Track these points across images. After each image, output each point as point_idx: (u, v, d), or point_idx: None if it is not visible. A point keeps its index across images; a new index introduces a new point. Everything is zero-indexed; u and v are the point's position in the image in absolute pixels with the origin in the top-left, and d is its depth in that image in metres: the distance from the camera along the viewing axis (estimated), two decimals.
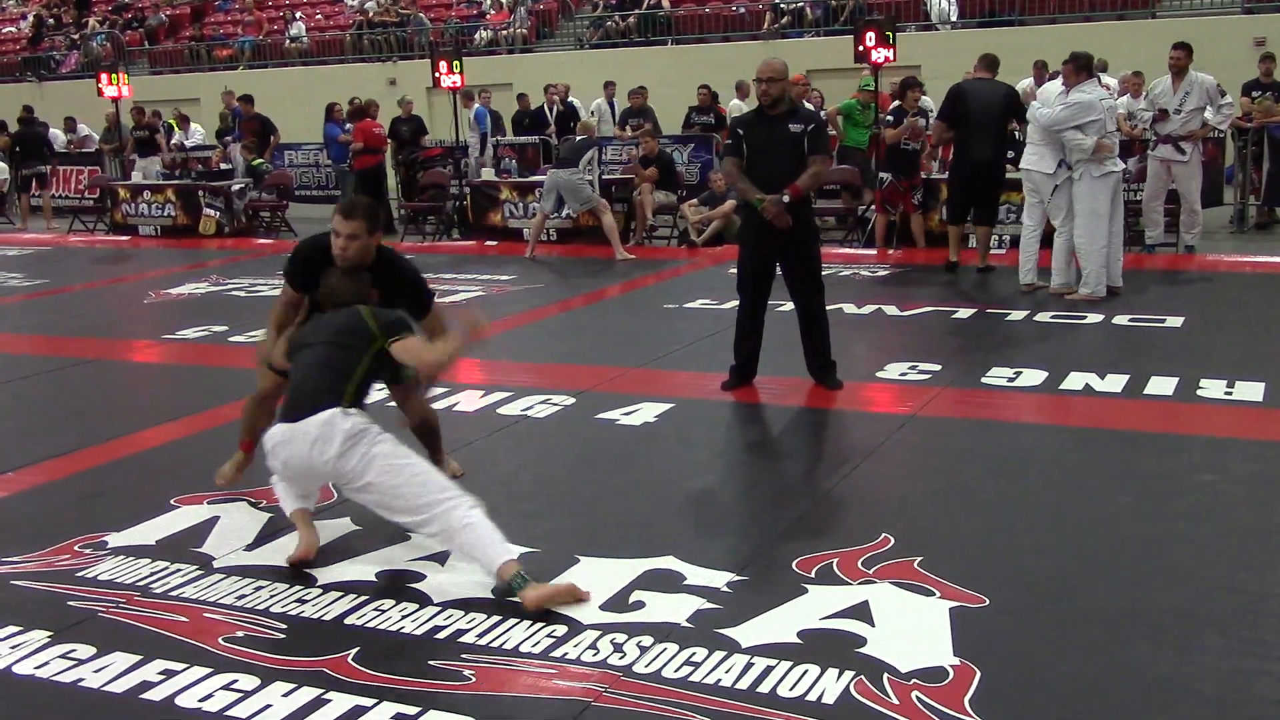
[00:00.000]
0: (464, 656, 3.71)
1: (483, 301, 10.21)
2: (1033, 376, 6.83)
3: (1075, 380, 6.72)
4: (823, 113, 14.66)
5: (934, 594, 4.04)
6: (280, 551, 4.60)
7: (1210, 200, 11.94)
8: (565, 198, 12.63)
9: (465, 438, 6.11)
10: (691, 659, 3.64)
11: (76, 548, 4.72)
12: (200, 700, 3.50)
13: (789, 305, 6.99)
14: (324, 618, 4.04)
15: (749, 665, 3.59)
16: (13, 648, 3.88)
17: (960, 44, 17.89)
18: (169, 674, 3.67)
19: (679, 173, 14.28)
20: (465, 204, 14.68)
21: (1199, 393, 6.40)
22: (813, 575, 4.22)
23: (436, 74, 14.61)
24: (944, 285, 10.09)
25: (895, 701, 3.36)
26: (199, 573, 4.46)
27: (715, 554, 4.45)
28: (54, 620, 4.08)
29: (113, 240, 16.25)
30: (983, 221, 10.60)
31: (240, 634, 3.93)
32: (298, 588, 4.28)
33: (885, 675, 3.50)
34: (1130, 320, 8.34)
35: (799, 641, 3.73)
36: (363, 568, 4.44)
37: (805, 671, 3.53)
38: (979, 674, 3.49)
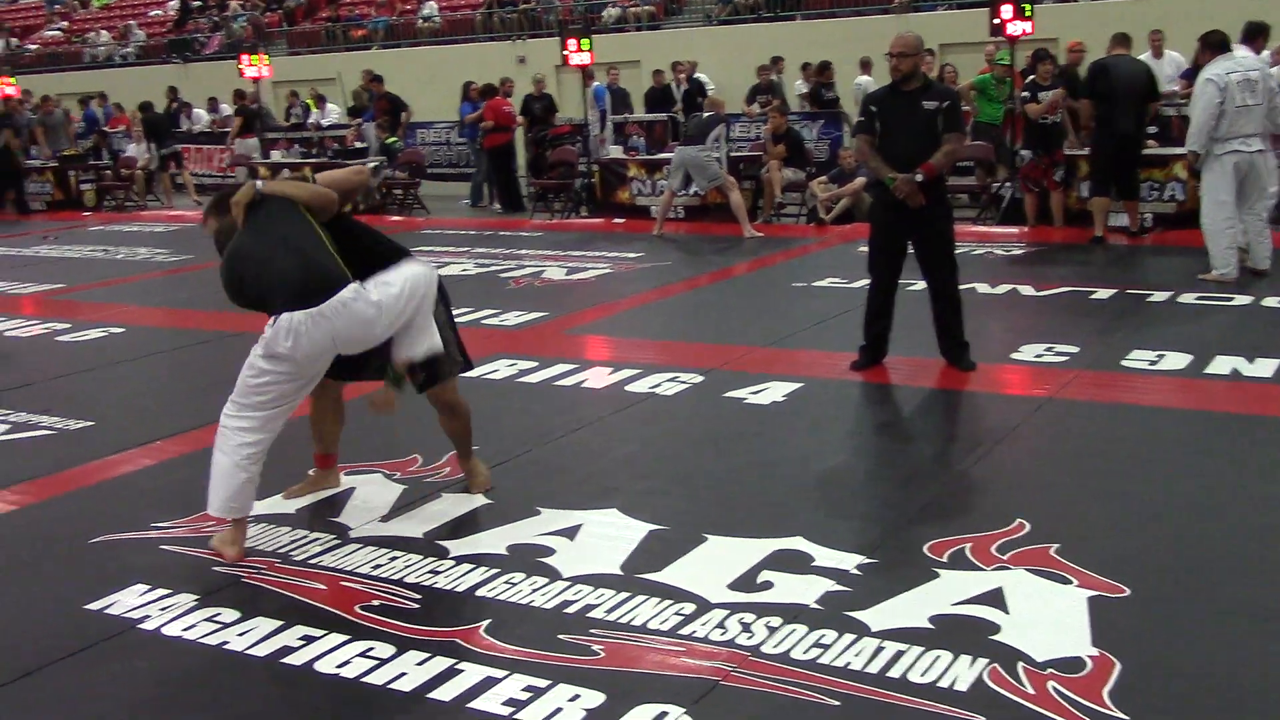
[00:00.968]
0: (593, 631, 3.74)
1: (610, 279, 10.27)
2: (1176, 360, 6.60)
3: (1222, 364, 6.48)
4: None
5: (1071, 582, 3.94)
6: (415, 523, 4.70)
7: None
8: (693, 175, 12.59)
9: (593, 414, 6.15)
10: (820, 641, 3.61)
11: None
12: (338, 666, 3.60)
13: (920, 284, 6.87)
14: (456, 589, 4.11)
15: (879, 649, 3.55)
16: (163, 609, 4.03)
17: (1099, 16, 17.34)
18: (308, 639, 3.77)
19: (808, 149, 14.13)
20: (593, 181, 14.75)
21: None
22: (945, 560, 4.16)
23: (565, 52, 14.70)
24: (1081, 264, 9.81)
25: (1031, 691, 3.29)
26: (336, 542, 4.57)
27: (845, 536, 4.41)
28: (200, 584, 4.23)
29: None
30: (1127, 195, 10.41)
31: (376, 603, 4.02)
32: (431, 559, 4.37)
33: (1020, 664, 3.43)
34: None
35: (931, 627, 3.68)
36: (493, 541, 4.51)
37: (937, 658, 3.48)
38: (1119, 666, 3.39)
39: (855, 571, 4.09)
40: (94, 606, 4.09)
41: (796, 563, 4.18)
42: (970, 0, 19.43)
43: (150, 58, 29.22)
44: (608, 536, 4.50)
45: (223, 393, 7.18)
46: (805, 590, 3.96)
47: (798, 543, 4.34)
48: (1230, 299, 8.16)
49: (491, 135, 15.53)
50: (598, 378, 6.85)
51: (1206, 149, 8.61)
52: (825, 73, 16.46)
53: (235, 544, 4.42)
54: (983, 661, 3.45)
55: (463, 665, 3.56)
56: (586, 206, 14.84)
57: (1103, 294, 8.53)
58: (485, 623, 3.83)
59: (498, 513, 4.79)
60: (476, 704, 3.35)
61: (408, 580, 4.19)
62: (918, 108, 6.51)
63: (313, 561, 4.39)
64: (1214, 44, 8.79)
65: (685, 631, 3.72)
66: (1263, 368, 6.37)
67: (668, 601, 3.92)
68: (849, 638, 3.62)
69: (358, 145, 16.89)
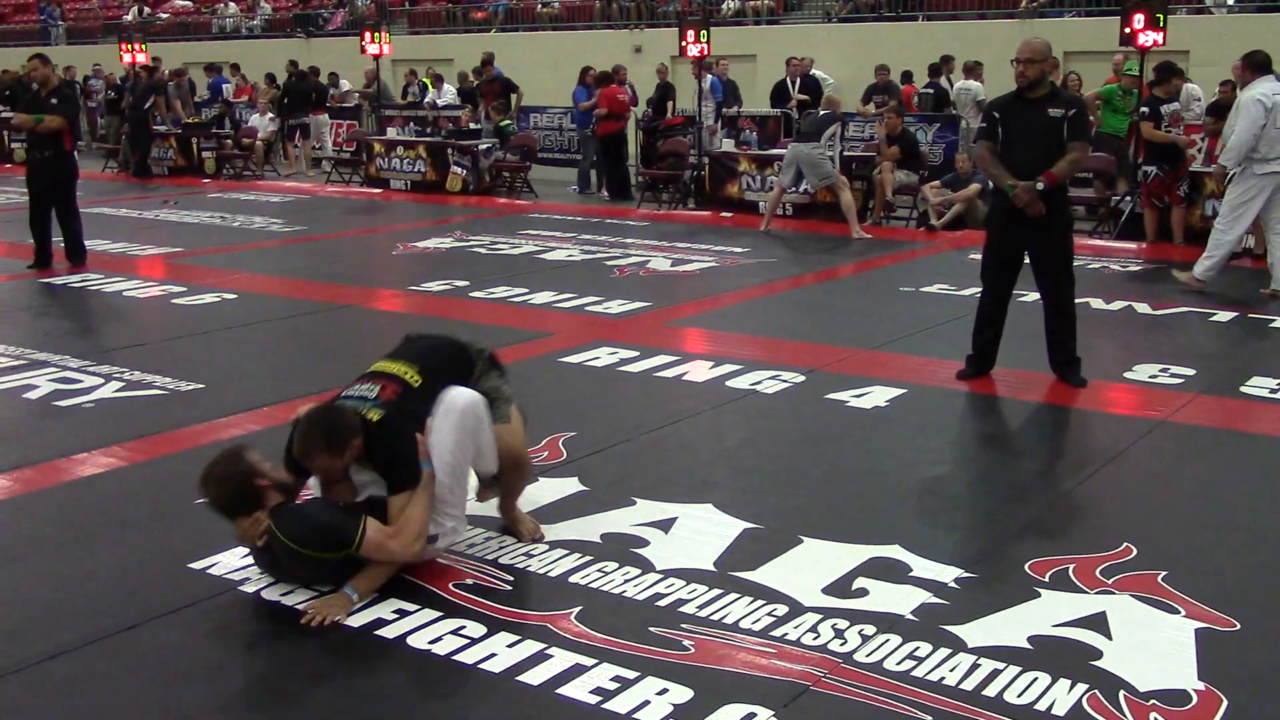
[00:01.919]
0: (684, 626, 3.72)
1: (715, 272, 10.23)
2: None
3: None
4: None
5: (1179, 611, 3.82)
6: None
7: None
8: (804, 172, 12.48)
9: (692, 407, 6.13)
10: (915, 653, 3.54)
11: None
12: (430, 642, 3.63)
13: (1033, 295, 6.72)
14: (549, 574, 4.11)
15: (975, 666, 3.47)
16: (262, 574, 4.09)
17: (1233, 30, 16.82)
18: (402, 613, 3.81)
19: (922, 153, 13.93)
20: (703, 174, 14.70)
21: None
22: (1047, 579, 4.05)
23: (684, 43, 14.66)
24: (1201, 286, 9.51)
25: None
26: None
27: (944, 547, 4.33)
28: None
29: (366, 192, 16.98)
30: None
31: (470, 581, 4.04)
32: (525, 542, 4.38)
33: (1121, 692, 3.33)
34: None
35: (1029, 647, 3.59)
36: (588, 529, 4.50)
37: (1035, 679, 3.39)
38: (1225, 702, 3.28)
39: (953, 585, 4.01)
40: (197, 566, 4.18)
41: (894, 572, 4.11)
42: (1100, 8, 18.99)
43: (275, 31, 29.80)
44: (702, 531, 4.47)
45: (329, 362, 7.33)
46: (901, 600, 3.89)
47: (896, 551, 4.27)
48: None
49: (604, 123, 15.56)
50: (698, 371, 6.82)
51: (1244, 166, 8.80)
52: (948, 65, 16.26)
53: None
54: (1082, 686, 3.35)
55: (552, 650, 3.56)
56: (695, 199, 14.80)
57: (1223, 316, 8.28)
58: (576, 609, 3.83)
59: (593, 500, 4.79)
60: (564, 690, 3.35)
61: (502, 561, 4.21)
62: (1042, 115, 6.36)
63: None
64: (1257, 64, 8.99)
65: (777, 633, 3.68)
66: None
67: (760, 601, 3.89)
68: (944, 652, 3.55)
69: (472, 126, 17.05)
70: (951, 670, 3.45)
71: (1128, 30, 11.63)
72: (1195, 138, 11.90)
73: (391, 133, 17.93)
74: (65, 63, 22.15)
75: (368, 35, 18.06)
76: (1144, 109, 10.97)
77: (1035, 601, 3.90)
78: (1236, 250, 9.48)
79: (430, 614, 3.80)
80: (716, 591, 3.96)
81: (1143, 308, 8.58)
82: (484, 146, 16.45)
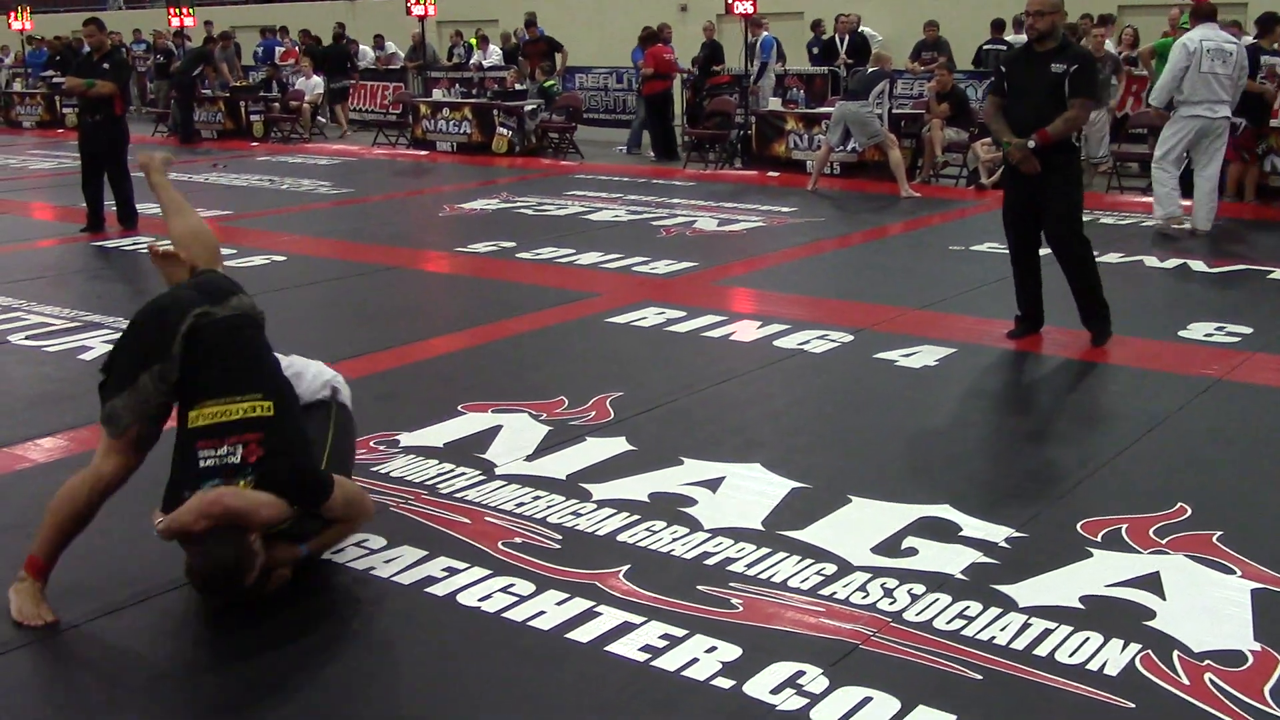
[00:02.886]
0: (732, 585, 3.72)
1: (762, 232, 10.16)
2: None
3: None
4: (1134, 53, 13.84)
5: (1234, 572, 3.77)
6: (559, 464, 4.73)
7: None
8: (852, 130, 12.36)
9: (740, 367, 6.11)
10: (965, 612, 3.52)
11: (372, 444, 4.98)
12: (479, 600, 3.65)
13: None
14: (597, 533, 4.12)
15: (1026, 625, 3.45)
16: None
17: None
18: (451, 571, 3.83)
19: (972, 109, 13.72)
20: (750, 133, 14.59)
21: None
22: (1099, 539, 4.01)
23: (730, 0, 14.52)
24: (1261, 243, 9.35)
25: (1185, 681, 3.15)
26: (481, 478, 4.63)
27: (994, 507, 4.29)
28: None
29: (412, 154, 17.01)
30: None
31: (518, 540, 4.06)
32: (573, 501, 4.39)
33: (1175, 652, 3.29)
34: None
35: (1081, 607, 3.56)
36: (636, 487, 4.50)
37: (1087, 639, 3.36)
38: None
39: (1004, 544, 3.98)
40: None
41: (943, 531, 4.09)
42: None
43: None
44: (750, 491, 4.46)
45: (377, 323, 7.36)
46: (951, 559, 3.86)
47: (945, 511, 4.24)
48: None
49: (650, 82, 15.47)
50: (746, 331, 6.80)
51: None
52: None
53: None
54: (1135, 647, 3.32)
55: (601, 608, 3.57)
56: (741, 158, 14.70)
57: None
58: (625, 568, 3.83)
59: (641, 460, 4.79)
60: (613, 648, 3.36)
61: (550, 520, 4.22)
62: (1046, 70, 6.22)
63: (458, 496, 4.46)
64: (1200, 13, 9.71)
65: (826, 592, 3.67)
66: None
67: (809, 560, 3.88)
68: (995, 611, 3.53)
69: (517, 88, 17.00)
70: (1002, 630, 3.42)
71: None
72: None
73: (437, 94, 17.93)
74: (122, 27, 22.31)
75: None
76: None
77: (1087, 561, 3.86)
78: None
79: (479, 572, 3.82)
80: (765, 550, 3.96)
81: (1198, 265, 8.44)
82: (529, 107, 16.41)
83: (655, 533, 4.11)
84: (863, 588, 3.69)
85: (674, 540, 4.05)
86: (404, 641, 3.50)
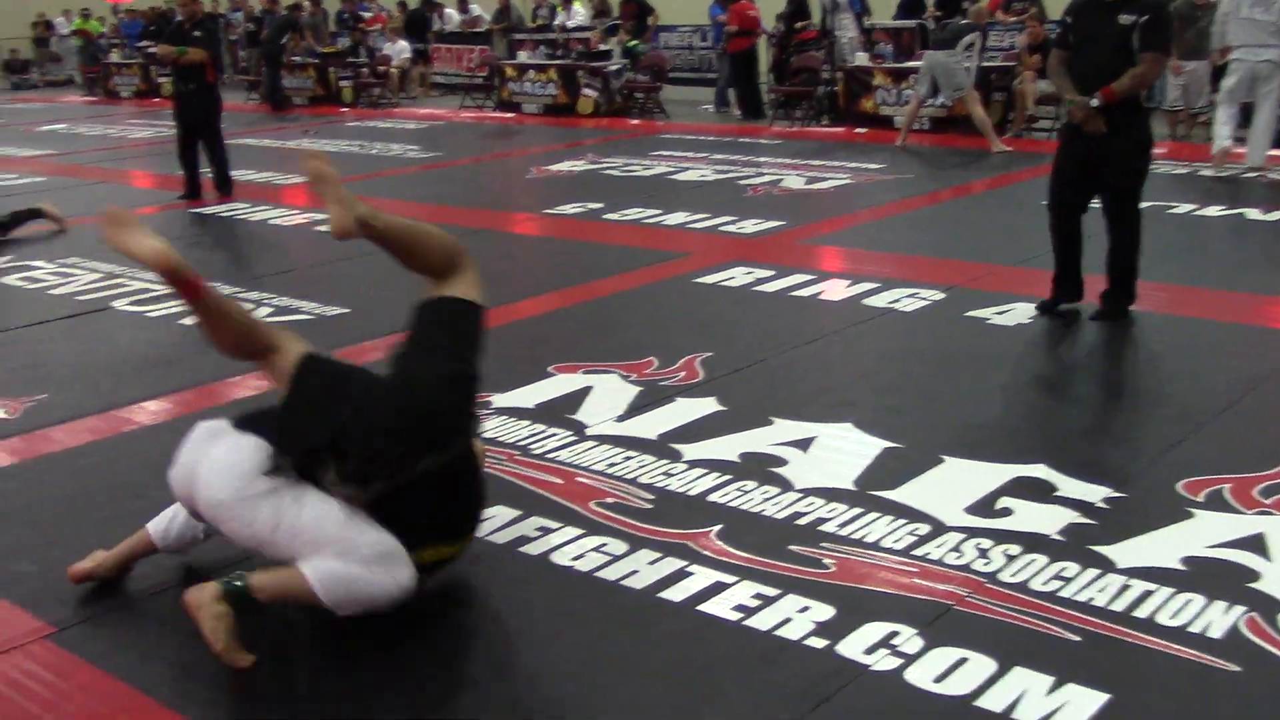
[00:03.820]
0: (824, 545, 3.72)
1: (850, 189, 10.05)
2: None
3: None
4: None
5: None
6: (650, 424, 4.75)
7: None
8: (939, 82, 12.14)
9: (829, 326, 6.07)
10: (1062, 574, 3.48)
11: None
12: (573, 559, 3.69)
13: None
14: (689, 492, 4.14)
15: (1125, 587, 3.40)
16: None
17: None
18: (545, 530, 3.88)
19: None
20: (837, 89, 14.41)
21: None
22: (1201, 499, 3.93)
23: None
24: None
25: None
26: (573, 438, 4.67)
27: (1091, 466, 4.22)
28: None
29: (499, 117, 17.08)
30: None
31: (610, 500, 4.09)
32: (664, 461, 4.41)
33: None
34: None
35: (1182, 568, 3.50)
36: (726, 448, 4.51)
37: (1189, 601, 3.31)
38: None
39: (1101, 505, 3.92)
40: None
41: (1039, 491, 4.04)
42: None
43: None
44: (842, 450, 4.45)
45: None
46: (1047, 520, 3.82)
47: (1040, 470, 4.19)
48: None
49: (735, 40, 15.33)
50: (835, 289, 6.75)
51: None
52: None
53: None
54: (1239, 609, 3.26)
55: (693, 568, 3.59)
56: (829, 115, 14.53)
57: None
58: (716, 527, 3.85)
59: (731, 420, 4.79)
60: (706, 607, 3.38)
61: (641, 480, 4.25)
62: (1113, 21, 5.74)
63: (550, 456, 4.50)
64: None
65: (919, 552, 3.65)
66: None
67: (902, 521, 3.86)
68: (1093, 573, 3.48)
69: (601, 48, 16.96)
70: (1100, 591, 3.38)
71: None
72: None
73: (522, 56, 17.96)
74: None
75: None
76: None
77: (1188, 522, 3.79)
78: None
79: (572, 531, 3.86)
80: (857, 510, 3.94)
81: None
82: (615, 68, 16.37)
83: (746, 493, 4.12)
84: (957, 548, 3.66)
85: (765, 500, 4.05)
86: (500, 599, 3.55)
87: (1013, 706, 2.88)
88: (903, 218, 8.99)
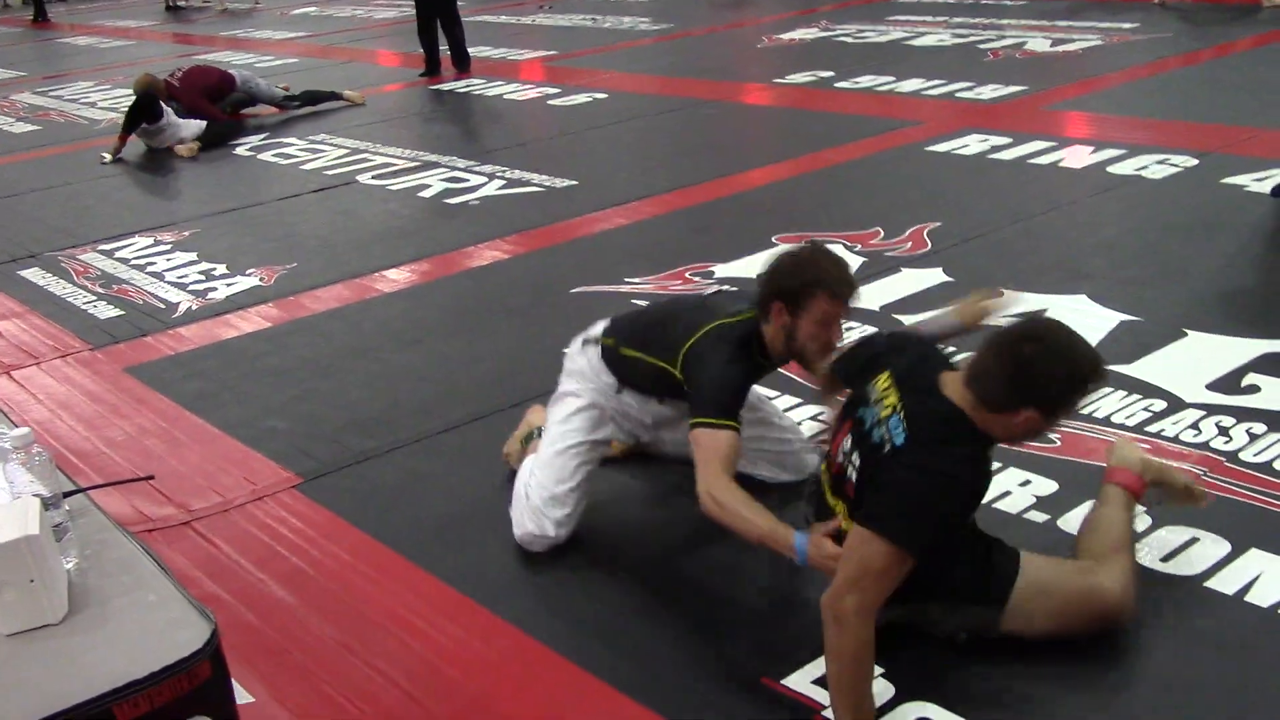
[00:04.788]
0: None
1: (1100, 51, 9.47)
2: None
3: None
4: None
5: None
6: (874, 296, 4.66)
7: None
8: None
9: (1069, 195, 5.79)
10: None
11: (687, 274, 5.08)
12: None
13: None
14: None
15: None
16: None
17: None
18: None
19: None
20: None
21: None
22: None
23: None
24: None
25: None
26: None
27: None
28: None
29: None
30: None
31: None
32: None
33: None
34: None
35: None
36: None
37: None
38: None
39: None
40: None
41: None
42: None
43: None
44: (1074, 323, 4.21)
45: (695, 157, 7.42)
46: None
47: None
48: None
49: None
50: (1076, 157, 6.41)
51: None
52: None
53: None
54: None
55: None
56: None
57: None
58: None
59: (958, 291, 4.61)
60: None
61: None
62: None
63: None
64: None
65: (1153, 429, 3.49)
66: None
67: (1136, 396, 3.69)
68: None
69: None
70: None
71: None
72: None
73: None
74: None
75: None
76: None
77: None
78: None
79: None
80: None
81: None
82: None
83: None
84: (1195, 425, 3.49)
85: None
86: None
87: (1246, 589, 2.75)
88: (1156, 80, 8.43)
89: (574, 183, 6.82)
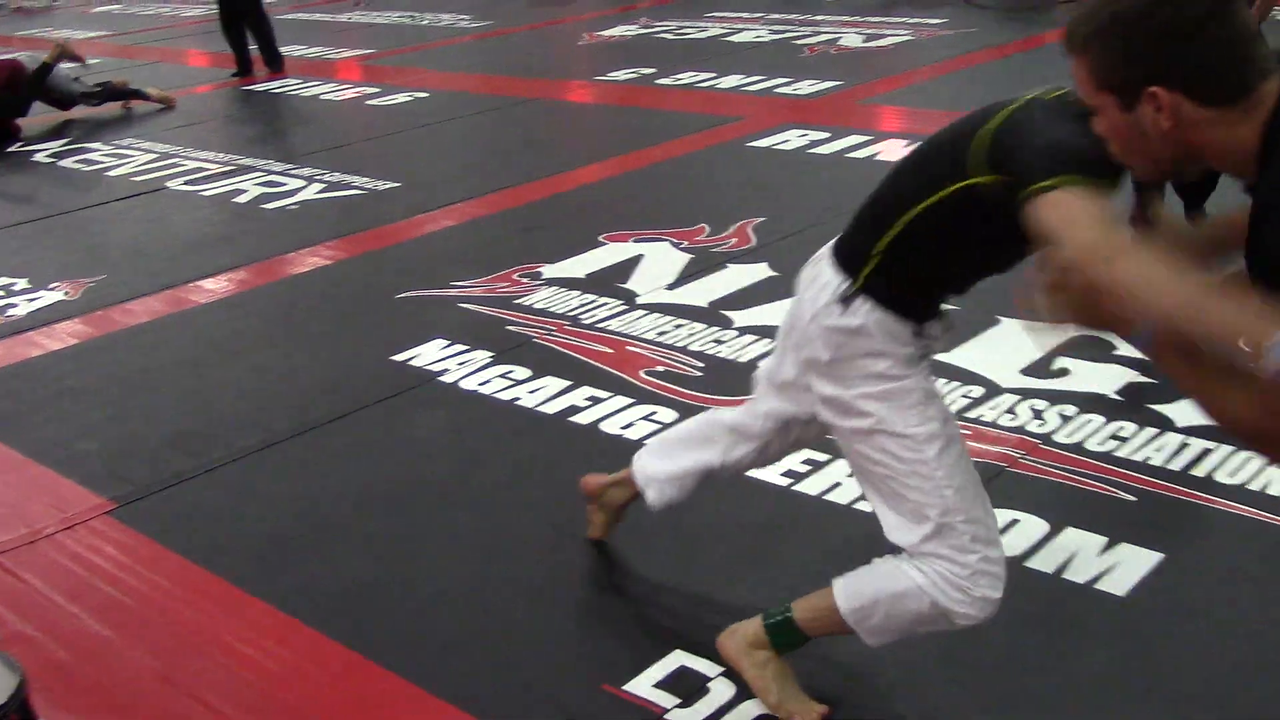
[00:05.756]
0: None
1: (910, 46, 9.76)
2: None
3: None
4: None
5: None
6: (700, 292, 4.71)
7: None
8: None
9: None
10: (1118, 433, 3.43)
11: (515, 276, 5.03)
12: (622, 428, 3.69)
13: None
14: (739, 359, 4.11)
15: (1183, 445, 3.34)
16: (460, 364, 4.23)
17: None
18: (594, 400, 3.88)
19: None
20: None
21: None
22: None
23: None
24: None
25: None
26: (623, 307, 4.64)
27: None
28: (495, 342, 4.40)
29: None
30: None
31: (660, 369, 4.08)
32: (715, 328, 4.37)
33: None
34: None
35: None
36: (777, 314, 4.40)
37: (1248, 459, 3.24)
38: None
39: None
40: (399, 358, 4.33)
41: (1097, 350, 3.95)
42: None
43: None
44: None
45: (519, 156, 7.36)
46: (1105, 379, 3.75)
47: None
48: None
49: None
50: (893, 151, 6.57)
51: None
52: None
53: None
54: None
55: None
56: None
57: None
58: None
59: (784, 286, 4.69)
60: (756, 474, 3.36)
61: (691, 348, 4.22)
62: None
63: (600, 326, 4.48)
64: None
65: (972, 415, 3.60)
66: None
67: (955, 383, 3.80)
68: (1150, 432, 3.42)
69: None
70: (1157, 450, 3.32)
71: None
72: None
73: None
74: None
75: None
76: None
77: None
78: None
79: (622, 400, 3.86)
80: None
81: None
82: None
83: None
84: (1011, 410, 3.61)
85: None
86: (552, 468, 3.57)
87: (1063, 567, 2.86)
88: (966, 73, 8.73)
89: (396, 184, 6.69)
